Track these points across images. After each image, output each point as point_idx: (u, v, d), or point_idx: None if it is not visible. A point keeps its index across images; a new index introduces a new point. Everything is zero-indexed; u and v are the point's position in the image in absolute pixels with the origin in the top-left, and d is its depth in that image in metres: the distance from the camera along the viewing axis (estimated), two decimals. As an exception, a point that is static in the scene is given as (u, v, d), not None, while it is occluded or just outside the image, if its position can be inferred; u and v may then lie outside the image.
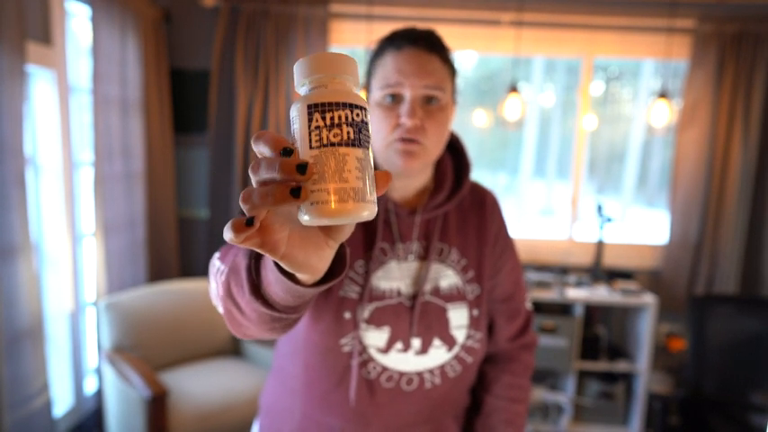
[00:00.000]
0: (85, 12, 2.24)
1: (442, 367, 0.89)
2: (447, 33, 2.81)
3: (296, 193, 0.40)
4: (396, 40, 0.86)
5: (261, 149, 0.43)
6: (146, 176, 2.61)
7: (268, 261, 0.53)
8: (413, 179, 0.92)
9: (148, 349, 2.26)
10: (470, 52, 3.11)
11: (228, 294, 0.63)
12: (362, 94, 0.92)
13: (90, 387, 2.46)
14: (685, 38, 2.74)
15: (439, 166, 0.96)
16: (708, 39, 2.66)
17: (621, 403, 2.77)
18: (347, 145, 0.41)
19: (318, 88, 0.42)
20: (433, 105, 0.85)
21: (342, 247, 0.55)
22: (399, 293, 0.89)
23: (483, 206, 0.98)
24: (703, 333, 2.34)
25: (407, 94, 0.83)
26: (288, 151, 0.41)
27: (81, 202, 2.35)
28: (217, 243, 2.89)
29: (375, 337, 0.87)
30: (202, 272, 2.98)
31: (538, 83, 3.37)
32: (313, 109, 0.41)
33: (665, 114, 2.52)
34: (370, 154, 0.43)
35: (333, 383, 0.88)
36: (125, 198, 2.45)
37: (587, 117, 2.93)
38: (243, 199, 0.41)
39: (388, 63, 0.85)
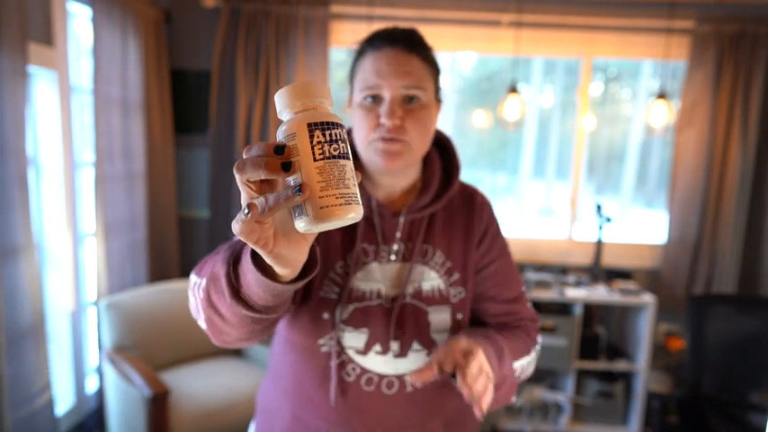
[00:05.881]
0: (87, 13, 2.25)
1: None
2: (447, 34, 2.83)
3: (298, 190, 0.45)
4: (374, 41, 0.87)
5: (251, 153, 0.47)
6: (146, 176, 2.61)
7: (246, 266, 0.58)
8: (399, 178, 0.92)
9: (149, 349, 2.27)
10: (470, 53, 3.11)
11: (209, 302, 0.67)
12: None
13: (91, 386, 2.46)
14: (684, 38, 2.75)
15: (427, 165, 0.95)
16: (706, 39, 2.67)
17: (620, 402, 2.78)
18: (343, 157, 0.47)
19: (309, 110, 0.48)
20: (413, 104, 0.85)
21: (312, 246, 0.59)
22: (380, 295, 0.88)
23: (472, 207, 0.96)
24: (702, 332, 2.35)
25: (386, 94, 0.84)
26: (280, 148, 0.46)
27: (82, 202, 2.36)
28: (217, 243, 2.89)
29: (354, 339, 0.87)
30: (203, 272, 2.98)
31: (537, 83, 3.38)
32: (314, 127, 0.47)
33: (663, 115, 2.53)
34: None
35: (315, 385, 0.88)
36: (126, 198, 2.46)
37: (586, 117, 2.95)
38: (251, 204, 0.47)
39: (367, 64, 0.86)
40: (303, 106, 0.49)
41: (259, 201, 0.47)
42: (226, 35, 2.73)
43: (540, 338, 0.98)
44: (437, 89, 0.91)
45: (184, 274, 3.01)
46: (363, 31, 2.91)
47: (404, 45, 0.85)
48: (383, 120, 0.83)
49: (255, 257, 0.58)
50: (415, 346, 0.88)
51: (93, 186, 2.26)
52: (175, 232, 2.88)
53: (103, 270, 2.31)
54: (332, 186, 0.46)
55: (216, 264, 0.66)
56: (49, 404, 1.93)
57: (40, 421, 1.88)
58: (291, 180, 0.47)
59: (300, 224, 0.48)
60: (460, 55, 3.32)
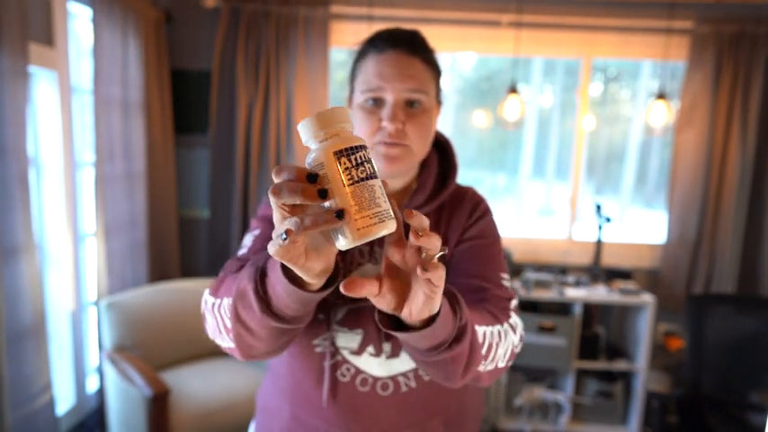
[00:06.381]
0: (87, 13, 2.25)
1: (415, 370, 0.88)
2: (447, 34, 2.83)
3: (340, 215, 0.49)
4: (377, 42, 0.86)
5: (283, 177, 0.51)
6: (147, 177, 2.62)
7: (277, 279, 0.61)
8: (396, 179, 0.92)
9: (149, 348, 2.27)
10: (470, 53, 3.12)
11: (237, 319, 0.69)
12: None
13: (92, 386, 2.47)
14: (683, 39, 2.76)
15: (424, 167, 0.95)
16: (705, 39, 2.68)
17: (620, 402, 2.79)
18: (371, 178, 0.51)
19: (333, 138, 0.52)
20: (415, 108, 0.85)
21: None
22: None
23: (462, 201, 0.95)
24: (701, 332, 2.36)
25: (389, 98, 0.83)
26: (313, 177, 0.50)
27: (83, 202, 2.36)
28: (217, 243, 2.90)
29: (348, 340, 0.87)
30: (203, 272, 2.99)
31: (537, 83, 3.38)
32: (339, 154, 0.50)
33: (663, 115, 2.54)
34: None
35: (312, 385, 0.89)
36: (126, 198, 2.46)
37: (586, 117, 2.95)
38: (295, 225, 0.50)
39: (370, 66, 0.85)
40: (326, 135, 0.52)
41: (293, 222, 0.50)
42: (226, 35, 2.73)
43: (516, 317, 0.85)
44: (438, 92, 0.90)
45: (185, 274, 3.02)
46: (363, 31, 2.90)
47: (407, 47, 0.85)
48: (385, 123, 0.83)
49: (285, 270, 0.60)
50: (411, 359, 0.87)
51: (94, 186, 2.26)
52: (176, 232, 2.88)
53: (104, 270, 2.32)
54: (365, 208, 0.50)
55: (241, 281, 0.67)
56: (50, 404, 1.94)
57: (40, 421, 1.88)
58: (326, 204, 0.51)
59: (341, 243, 0.52)
60: (460, 55, 3.33)
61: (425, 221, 0.54)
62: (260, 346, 0.72)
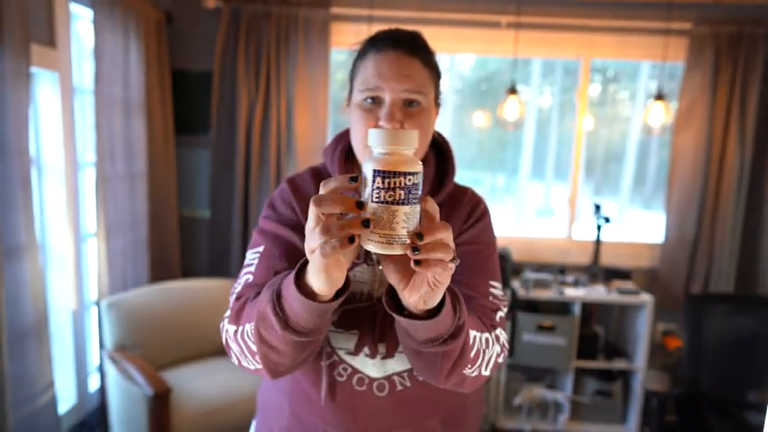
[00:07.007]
0: (88, 14, 2.26)
1: (409, 370, 0.88)
2: (446, 35, 2.84)
3: (366, 223, 0.55)
4: (377, 43, 0.87)
5: (329, 187, 0.57)
6: (148, 177, 2.63)
7: (289, 297, 0.66)
8: None
9: (150, 348, 2.28)
10: (469, 54, 3.13)
11: (261, 340, 0.73)
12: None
13: (93, 385, 2.48)
14: (681, 40, 2.77)
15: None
16: (704, 40, 2.69)
17: (619, 401, 2.80)
18: (397, 204, 0.56)
19: (384, 155, 0.57)
20: (413, 108, 0.85)
21: None
22: (370, 297, 0.88)
23: (460, 203, 0.96)
24: (700, 331, 2.37)
25: (387, 97, 0.84)
26: (353, 179, 0.57)
27: (84, 202, 2.37)
28: (218, 243, 2.91)
29: (344, 340, 0.88)
30: (204, 272, 3.00)
31: (536, 84, 3.39)
32: (377, 174, 0.56)
33: (661, 115, 2.55)
34: (417, 207, 0.58)
35: (310, 384, 0.90)
36: (128, 198, 2.47)
37: (585, 118, 2.96)
38: (323, 231, 0.55)
39: (369, 66, 0.85)
40: (380, 151, 0.58)
41: (321, 226, 0.56)
42: (226, 36, 2.74)
43: (500, 330, 0.86)
44: (437, 94, 0.91)
45: (185, 273, 3.02)
46: (364, 32, 2.89)
47: (407, 48, 0.85)
48: (382, 122, 0.84)
49: (298, 286, 0.65)
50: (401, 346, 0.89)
51: (95, 186, 2.27)
52: (176, 232, 2.89)
53: (105, 270, 2.33)
54: (378, 227, 0.56)
55: (260, 305, 0.71)
56: (52, 403, 1.95)
57: (42, 420, 1.89)
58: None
59: (365, 246, 0.58)
60: (460, 56, 3.34)
61: (445, 233, 0.58)
62: (285, 361, 0.75)
